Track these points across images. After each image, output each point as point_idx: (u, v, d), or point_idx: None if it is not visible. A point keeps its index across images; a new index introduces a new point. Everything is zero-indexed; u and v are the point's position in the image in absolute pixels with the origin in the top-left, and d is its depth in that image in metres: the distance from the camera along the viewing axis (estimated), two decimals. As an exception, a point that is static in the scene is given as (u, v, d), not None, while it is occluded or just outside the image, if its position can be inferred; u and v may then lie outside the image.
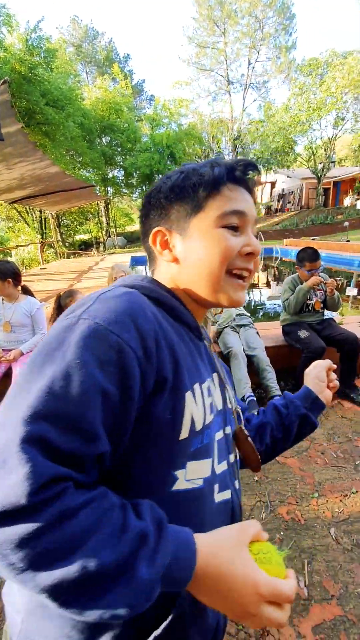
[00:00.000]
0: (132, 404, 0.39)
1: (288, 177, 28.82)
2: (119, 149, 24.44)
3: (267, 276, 11.02)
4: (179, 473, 0.45)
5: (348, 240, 13.19)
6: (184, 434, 0.45)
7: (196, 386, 0.49)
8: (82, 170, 22.86)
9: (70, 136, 15.69)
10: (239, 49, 27.28)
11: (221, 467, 0.55)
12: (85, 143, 18.71)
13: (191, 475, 0.47)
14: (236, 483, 0.60)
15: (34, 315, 2.53)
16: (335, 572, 1.41)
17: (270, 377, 2.47)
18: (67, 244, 26.50)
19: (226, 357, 2.56)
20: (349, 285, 7.78)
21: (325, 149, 22.75)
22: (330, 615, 1.27)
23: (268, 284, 9.54)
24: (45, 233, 20.19)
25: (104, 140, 24.32)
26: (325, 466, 1.99)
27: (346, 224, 15.39)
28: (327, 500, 1.76)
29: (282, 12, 25.62)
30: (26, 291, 2.67)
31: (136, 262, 13.16)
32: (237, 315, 2.83)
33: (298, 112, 20.34)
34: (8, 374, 2.43)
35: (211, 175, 0.52)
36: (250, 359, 2.54)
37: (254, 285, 9.25)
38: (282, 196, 30.31)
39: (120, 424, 0.39)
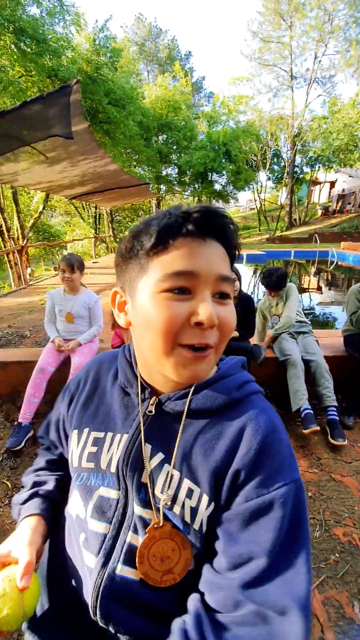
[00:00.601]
0: (63, 415, 0.65)
1: (350, 176, 27.24)
2: (175, 147, 24.66)
3: (319, 280, 10.53)
4: (71, 496, 0.58)
5: None
6: (70, 462, 0.59)
7: (85, 430, 0.56)
8: (137, 168, 23.41)
9: (130, 134, 16.10)
10: (305, 42, 26.13)
11: (95, 527, 0.50)
12: (142, 141, 19.10)
13: (72, 505, 0.56)
14: (120, 568, 0.48)
15: (92, 308, 2.62)
16: None
17: (328, 385, 2.35)
18: (117, 240, 27.38)
19: (282, 365, 2.47)
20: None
21: (394, 147, 21.13)
22: (390, 651, 1.18)
23: (319, 289, 9.10)
24: (99, 228, 21.01)
25: (160, 138, 24.67)
26: (387, 490, 1.85)
27: None
28: (388, 527, 1.63)
29: (354, 3, 24.13)
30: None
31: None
32: (297, 322, 2.72)
33: (366, 108, 19.10)
34: (66, 362, 2.55)
35: (156, 229, 0.44)
36: (307, 365, 2.43)
37: (304, 290, 8.89)
38: (341, 197, 28.73)
39: (61, 427, 0.67)
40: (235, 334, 2.51)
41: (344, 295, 8.01)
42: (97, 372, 0.62)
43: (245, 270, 11.72)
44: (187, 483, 0.48)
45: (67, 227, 22.50)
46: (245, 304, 2.52)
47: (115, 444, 0.53)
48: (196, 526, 0.48)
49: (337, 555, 1.50)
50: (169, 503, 0.48)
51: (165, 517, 0.48)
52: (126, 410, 0.55)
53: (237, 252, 0.50)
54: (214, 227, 0.46)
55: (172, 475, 0.49)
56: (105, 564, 0.49)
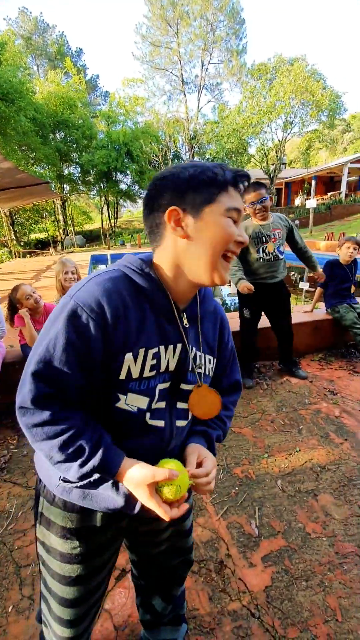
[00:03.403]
0: (94, 350, 0.61)
1: (243, 177, 29.76)
2: (75, 145, 23.88)
3: (226, 272, 11.37)
4: (122, 397, 0.66)
5: (299, 238, 13.97)
6: (123, 376, 0.64)
7: (141, 350, 0.65)
8: (35, 166, 22.09)
9: (22, 131, 15.15)
10: (192, 50, 27.69)
11: (159, 405, 0.71)
12: (38, 138, 18.12)
13: (130, 401, 0.66)
14: (177, 422, 0.75)
15: None
16: (281, 514, 1.66)
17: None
18: (22, 243, 25.43)
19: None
20: (302, 280, 8.35)
21: (276, 151, 23.85)
22: (276, 547, 1.50)
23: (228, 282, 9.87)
24: (-2, 232, 19.27)
25: (58, 136, 23.62)
26: (274, 432, 2.26)
27: (297, 222, 16.34)
28: (275, 459, 2.01)
29: (232, 16, 26.39)
30: None
31: (97, 260, 13.02)
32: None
33: (250, 115, 21.14)
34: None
35: (223, 177, 0.64)
36: None
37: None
38: (238, 195, 31.28)
39: (95, 364, 0.62)
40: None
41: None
42: (130, 299, 0.65)
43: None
44: (208, 357, 0.79)
45: None
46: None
47: (169, 352, 0.70)
48: (210, 374, 0.81)
49: (236, 488, 1.82)
50: (203, 372, 0.77)
51: (202, 380, 0.77)
52: (168, 327, 0.70)
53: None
54: (244, 186, 0.68)
55: (201, 356, 0.77)
56: (170, 420, 0.73)
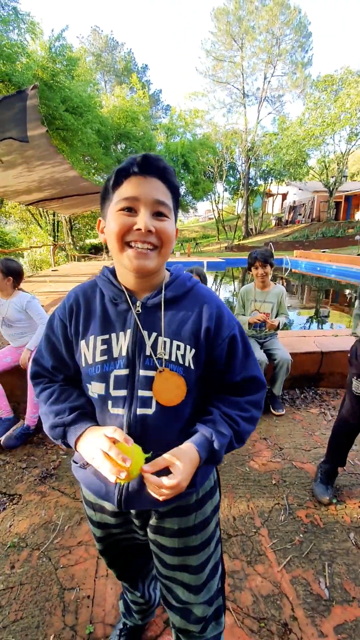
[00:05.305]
0: (60, 340, 0.80)
1: (300, 189, 28.98)
2: (134, 156, 24.79)
3: (277, 286, 10.99)
4: (89, 386, 0.77)
5: (359, 254, 13.19)
6: (83, 364, 0.76)
7: (91, 337, 0.75)
8: (96, 175, 23.23)
9: (88, 142, 15.96)
10: (256, 63, 27.68)
11: (118, 393, 0.73)
12: (101, 149, 19.00)
13: (93, 389, 0.76)
14: (139, 410, 0.72)
15: (28, 308, 2.55)
16: (356, 575, 1.42)
17: (280, 379, 2.59)
18: (77, 247, 26.78)
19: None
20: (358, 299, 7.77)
21: (337, 163, 22.86)
22: (351, 616, 1.28)
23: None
24: (57, 236, 20.43)
25: (119, 147, 24.70)
26: (342, 472, 2.00)
27: (357, 237, 15.42)
28: (345, 506, 1.76)
29: (298, 30, 26.01)
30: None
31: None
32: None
33: (312, 127, 20.50)
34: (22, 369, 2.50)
35: (115, 171, 0.67)
36: (272, 359, 2.63)
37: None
38: (293, 208, 30.43)
39: (60, 351, 0.81)
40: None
41: (299, 301, 8.45)
42: (85, 296, 0.79)
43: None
44: (175, 343, 0.73)
45: (24, 234, 21.66)
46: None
47: (121, 338, 0.74)
48: (186, 364, 0.73)
49: (301, 535, 1.60)
50: (166, 357, 0.72)
51: (165, 366, 0.72)
52: (120, 315, 0.75)
53: (178, 189, 0.73)
54: (152, 168, 0.66)
55: (164, 342, 0.73)
56: (129, 408, 0.72)
